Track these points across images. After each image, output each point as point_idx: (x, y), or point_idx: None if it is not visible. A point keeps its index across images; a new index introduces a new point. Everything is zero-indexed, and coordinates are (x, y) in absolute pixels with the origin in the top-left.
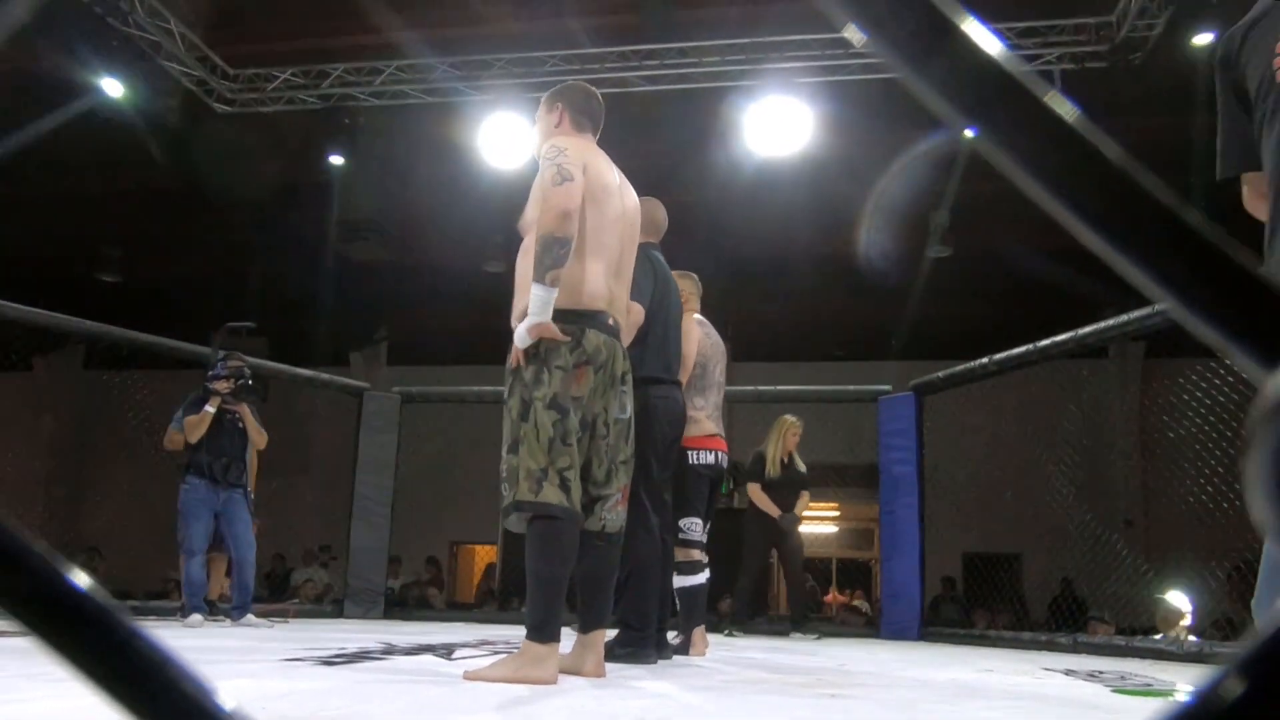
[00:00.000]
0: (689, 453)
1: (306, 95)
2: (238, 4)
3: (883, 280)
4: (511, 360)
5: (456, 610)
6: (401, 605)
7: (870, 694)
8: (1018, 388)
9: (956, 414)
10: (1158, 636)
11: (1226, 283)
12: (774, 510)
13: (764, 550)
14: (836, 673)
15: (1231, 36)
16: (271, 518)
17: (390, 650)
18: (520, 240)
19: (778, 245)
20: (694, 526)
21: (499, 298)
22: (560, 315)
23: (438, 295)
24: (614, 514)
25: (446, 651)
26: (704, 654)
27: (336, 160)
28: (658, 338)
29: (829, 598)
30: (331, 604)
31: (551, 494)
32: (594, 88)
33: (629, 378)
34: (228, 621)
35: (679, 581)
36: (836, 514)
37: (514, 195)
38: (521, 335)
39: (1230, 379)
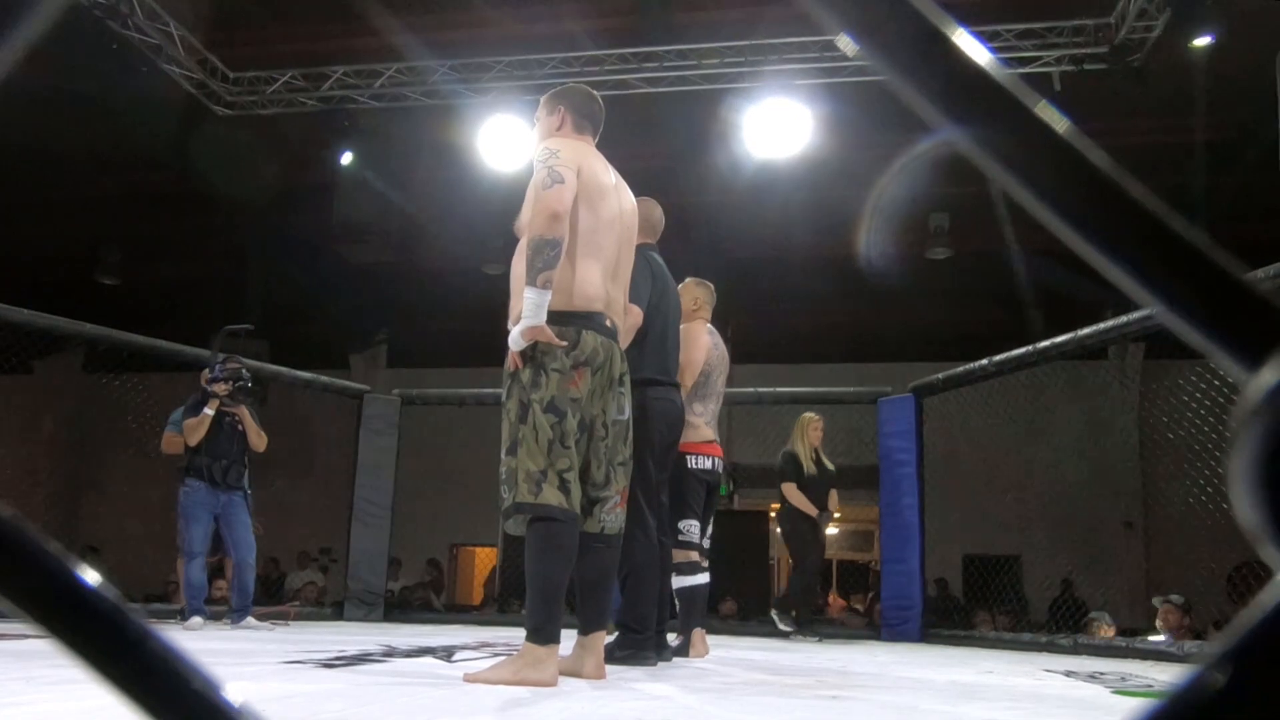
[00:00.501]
0: (688, 457)
1: (306, 98)
2: (238, 6)
3: (882, 281)
4: (509, 363)
5: (457, 612)
6: (402, 607)
7: (870, 695)
8: (1018, 389)
9: (956, 415)
10: (1159, 638)
11: (1210, 286)
12: (812, 510)
13: (814, 547)
14: (837, 674)
15: None
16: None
17: (390, 653)
18: (518, 242)
19: (777, 246)
20: (692, 529)
21: (498, 300)
22: (556, 317)
23: (437, 297)
24: (613, 516)
25: (447, 654)
26: (703, 655)
27: (336, 163)
28: (656, 339)
29: (830, 600)
30: (332, 606)
31: (551, 496)
32: (594, 90)
33: (627, 379)
34: (228, 624)
35: (677, 582)
36: (837, 516)
37: (514, 198)
38: (516, 339)
39: (1230, 380)
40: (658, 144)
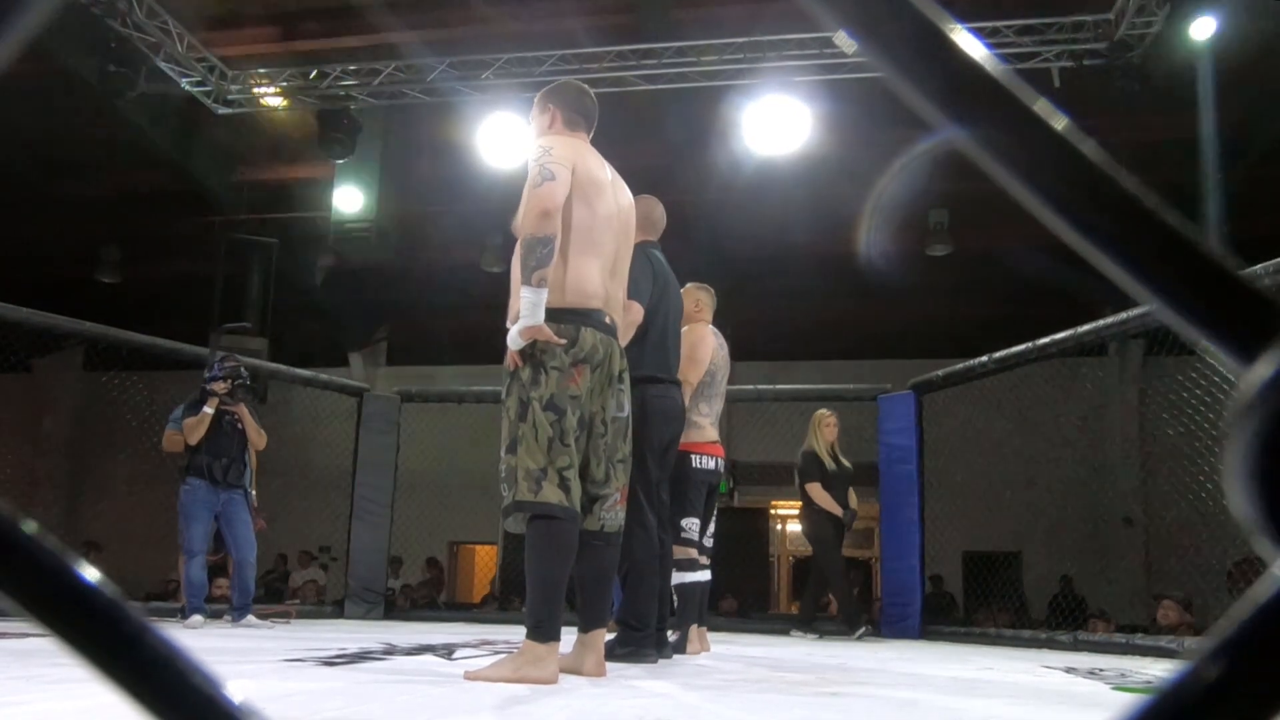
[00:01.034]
0: (691, 457)
1: (305, 96)
2: (236, 5)
3: (882, 278)
4: (508, 362)
5: (457, 610)
6: (402, 606)
7: (871, 692)
8: (1017, 386)
9: (956, 412)
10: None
11: (1205, 280)
12: (837, 509)
13: (838, 547)
14: (837, 671)
15: None
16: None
17: (391, 650)
18: (516, 241)
19: (776, 244)
20: (693, 526)
21: (498, 297)
22: (555, 314)
23: (437, 295)
24: (613, 513)
25: (447, 652)
26: (703, 651)
27: (334, 160)
28: (656, 336)
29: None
30: (332, 605)
31: (551, 493)
32: (588, 86)
33: (626, 376)
34: (228, 622)
35: (676, 578)
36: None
37: (512, 195)
38: (514, 338)
39: (1230, 376)
40: (657, 141)
